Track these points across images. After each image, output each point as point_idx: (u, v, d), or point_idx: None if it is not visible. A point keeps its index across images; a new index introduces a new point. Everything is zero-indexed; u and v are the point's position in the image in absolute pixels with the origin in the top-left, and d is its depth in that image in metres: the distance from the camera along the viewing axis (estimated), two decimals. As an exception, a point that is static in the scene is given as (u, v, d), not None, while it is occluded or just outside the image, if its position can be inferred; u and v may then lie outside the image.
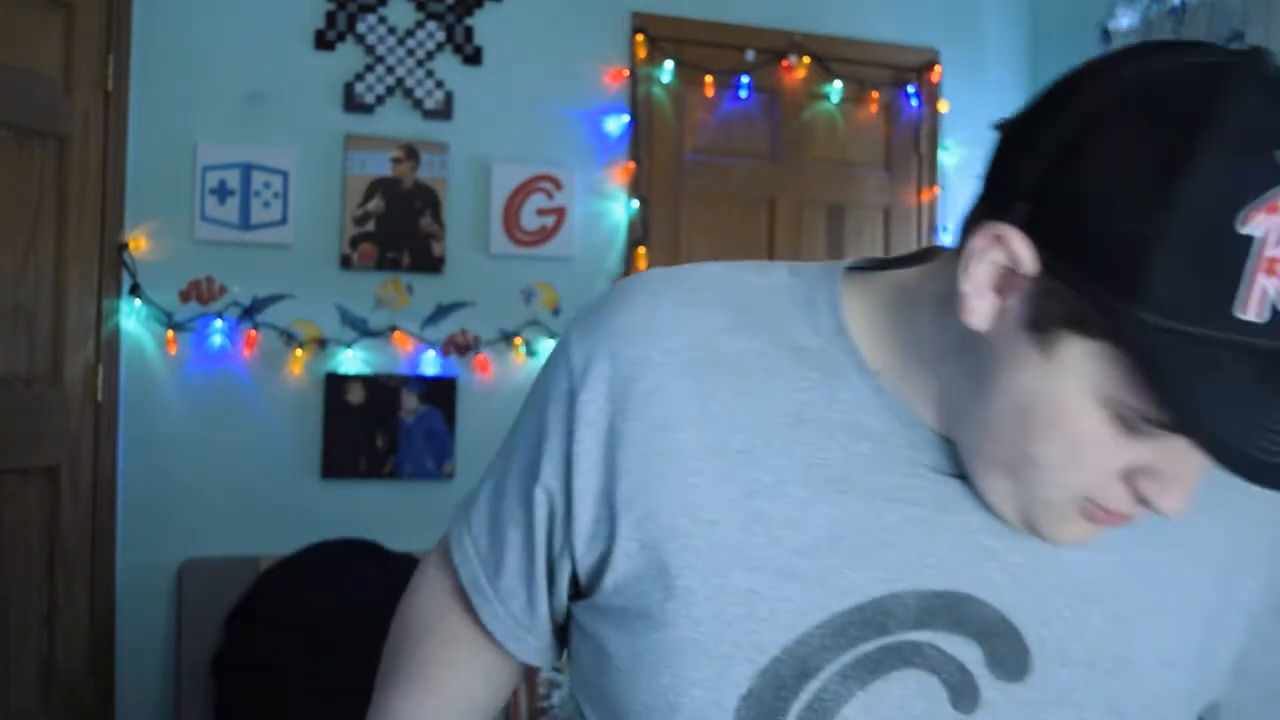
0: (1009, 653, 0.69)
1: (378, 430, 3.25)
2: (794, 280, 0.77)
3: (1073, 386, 0.62)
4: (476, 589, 0.84)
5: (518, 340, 3.35)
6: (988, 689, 0.69)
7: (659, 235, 3.56)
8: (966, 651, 0.69)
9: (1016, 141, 0.65)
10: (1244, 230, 0.55)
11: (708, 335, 0.74)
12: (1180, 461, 0.62)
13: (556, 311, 3.42)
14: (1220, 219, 0.55)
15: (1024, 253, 0.62)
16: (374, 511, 3.21)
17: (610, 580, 0.73)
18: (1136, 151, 0.58)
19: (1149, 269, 0.56)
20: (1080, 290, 0.59)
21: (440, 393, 3.30)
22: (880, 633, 0.69)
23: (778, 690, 0.68)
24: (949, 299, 0.68)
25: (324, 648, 2.81)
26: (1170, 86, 0.59)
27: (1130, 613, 0.72)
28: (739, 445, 0.71)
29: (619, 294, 0.77)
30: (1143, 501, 0.65)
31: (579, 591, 0.79)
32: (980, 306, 0.65)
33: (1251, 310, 0.55)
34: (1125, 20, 3.27)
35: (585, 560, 0.76)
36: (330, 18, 3.27)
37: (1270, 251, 0.55)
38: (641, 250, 3.50)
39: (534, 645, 0.85)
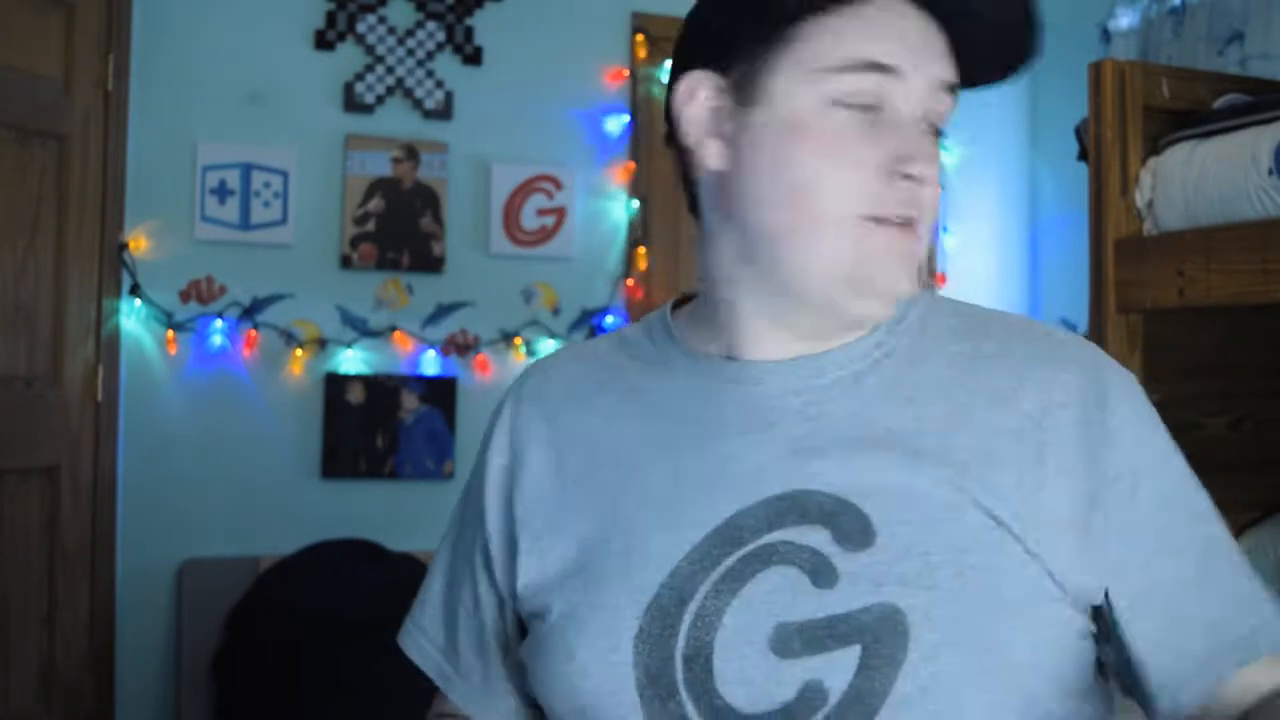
0: (852, 527, 0.78)
1: (378, 430, 3.25)
2: (641, 322, 0.96)
3: (797, 99, 0.80)
4: (443, 676, 0.96)
5: (518, 340, 3.35)
6: (841, 562, 0.77)
7: (659, 235, 3.56)
8: (815, 537, 0.78)
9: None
10: None
11: (573, 383, 0.93)
12: (909, 135, 0.80)
13: (556, 311, 3.42)
14: None
15: (707, 77, 0.84)
16: (374, 511, 3.21)
17: (521, 585, 0.87)
18: None
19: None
20: (746, 44, 0.81)
21: (440, 393, 3.30)
22: (737, 545, 0.79)
23: (663, 620, 0.79)
24: (706, 239, 0.88)
25: (324, 648, 2.81)
26: None
27: (953, 470, 0.79)
28: (613, 447, 0.87)
29: (514, 385, 0.98)
30: (909, 181, 0.79)
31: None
32: (712, 148, 0.84)
33: None
34: (1125, 20, 3.27)
35: (508, 591, 0.90)
36: (330, 18, 3.27)
37: None
38: (641, 250, 3.50)
39: (501, 709, 0.94)
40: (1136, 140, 2.04)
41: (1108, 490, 0.80)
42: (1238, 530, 2.16)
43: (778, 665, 0.76)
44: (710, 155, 0.84)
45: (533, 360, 3.74)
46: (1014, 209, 3.85)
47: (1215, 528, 0.84)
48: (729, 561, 0.79)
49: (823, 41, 0.79)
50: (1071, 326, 3.56)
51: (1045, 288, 3.87)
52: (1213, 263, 1.85)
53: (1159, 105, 2.05)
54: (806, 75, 0.79)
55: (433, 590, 0.98)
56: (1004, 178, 3.90)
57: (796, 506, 0.79)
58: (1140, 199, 2.05)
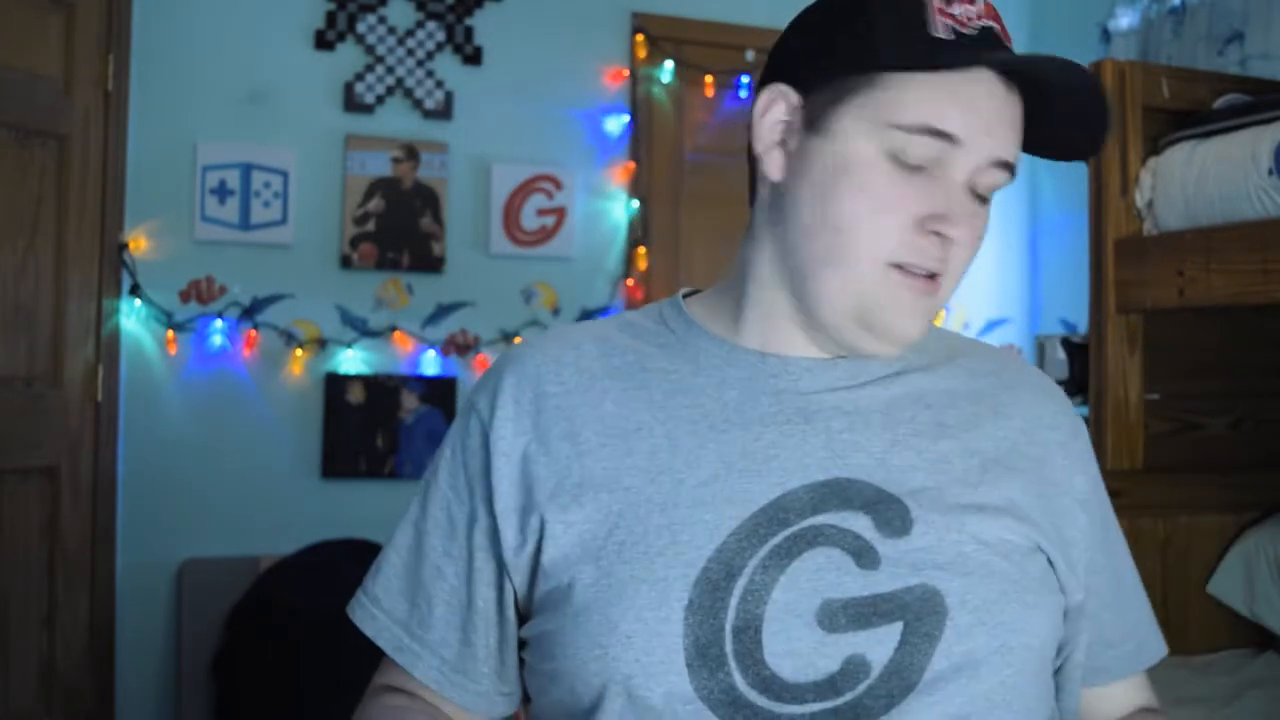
0: (892, 515, 0.85)
1: (378, 430, 3.25)
2: (641, 312, 1.00)
3: (857, 142, 0.84)
4: (402, 649, 0.95)
5: (518, 340, 3.35)
6: (882, 547, 0.84)
7: (659, 235, 3.56)
8: (858, 522, 0.84)
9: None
10: None
11: (588, 362, 0.94)
12: (952, 196, 0.85)
13: (556, 311, 3.42)
14: None
15: (788, 93, 0.88)
16: (374, 511, 3.21)
17: (547, 559, 0.87)
18: None
19: (873, 32, 0.83)
20: (832, 76, 0.85)
21: (440, 393, 3.30)
22: (784, 525, 0.84)
23: (713, 592, 0.82)
24: (753, 238, 0.94)
25: (324, 648, 2.81)
26: None
27: (973, 471, 0.89)
28: (633, 425, 0.89)
29: (509, 357, 0.96)
30: (939, 238, 0.85)
31: (523, 618, 0.92)
32: (774, 159, 0.89)
33: (941, 31, 0.83)
34: (1125, 20, 3.27)
35: (519, 570, 0.90)
36: (330, 18, 3.27)
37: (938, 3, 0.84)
38: (641, 250, 3.50)
39: (473, 689, 0.94)
40: (1136, 140, 2.05)
41: (1079, 507, 0.94)
42: (1237, 530, 2.16)
43: (824, 639, 0.81)
44: (773, 167, 0.89)
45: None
46: (1014, 209, 3.84)
47: (1129, 556, 1.01)
48: (776, 540, 0.83)
49: (902, 98, 0.83)
50: (1071, 327, 3.56)
51: (1045, 288, 3.87)
52: (1213, 263, 1.85)
53: (1159, 105, 2.05)
54: (873, 124, 0.84)
55: (392, 564, 0.97)
56: (1004, 178, 3.90)
57: (840, 493, 0.85)
58: (1140, 199, 2.05)
